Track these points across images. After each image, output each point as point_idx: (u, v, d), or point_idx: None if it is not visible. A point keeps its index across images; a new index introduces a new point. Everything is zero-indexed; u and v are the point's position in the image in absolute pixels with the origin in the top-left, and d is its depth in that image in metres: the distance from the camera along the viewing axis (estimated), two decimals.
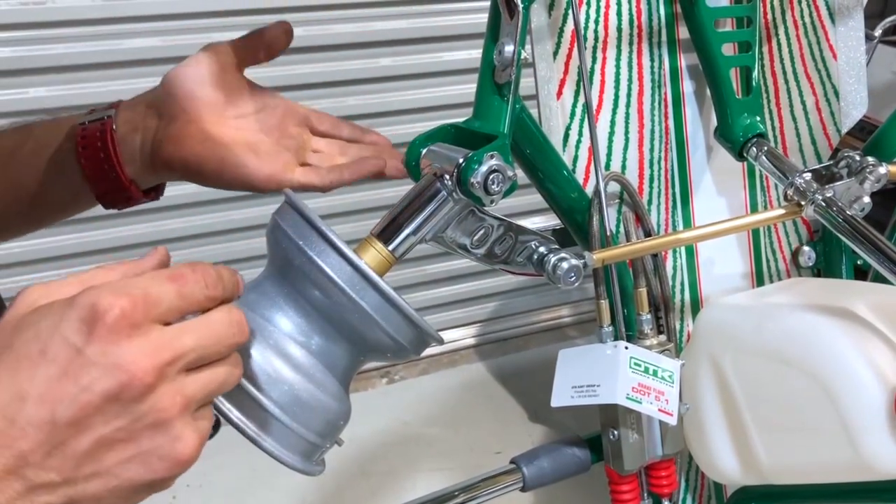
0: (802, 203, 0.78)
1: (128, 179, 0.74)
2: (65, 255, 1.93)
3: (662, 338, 0.87)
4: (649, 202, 0.91)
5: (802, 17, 0.95)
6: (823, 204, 0.76)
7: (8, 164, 0.74)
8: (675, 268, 0.94)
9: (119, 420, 0.42)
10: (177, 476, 0.46)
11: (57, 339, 0.41)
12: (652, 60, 0.89)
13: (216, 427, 0.54)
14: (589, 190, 0.87)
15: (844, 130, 1.00)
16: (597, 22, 0.86)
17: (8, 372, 0.41)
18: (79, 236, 1.94)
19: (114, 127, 0.73)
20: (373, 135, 0.82)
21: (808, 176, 0.79)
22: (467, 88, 2.12)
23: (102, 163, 0.72)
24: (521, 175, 0.71)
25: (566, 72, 0.86)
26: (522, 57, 0.69)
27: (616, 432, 0.83)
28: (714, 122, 0.90)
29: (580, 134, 0.87)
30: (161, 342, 0.43)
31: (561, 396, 0.80)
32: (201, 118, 0.72)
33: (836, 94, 0.98)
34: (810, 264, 1.01)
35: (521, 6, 0.67)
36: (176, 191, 1.96)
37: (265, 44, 0.76)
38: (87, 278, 0.46)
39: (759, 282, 0.99)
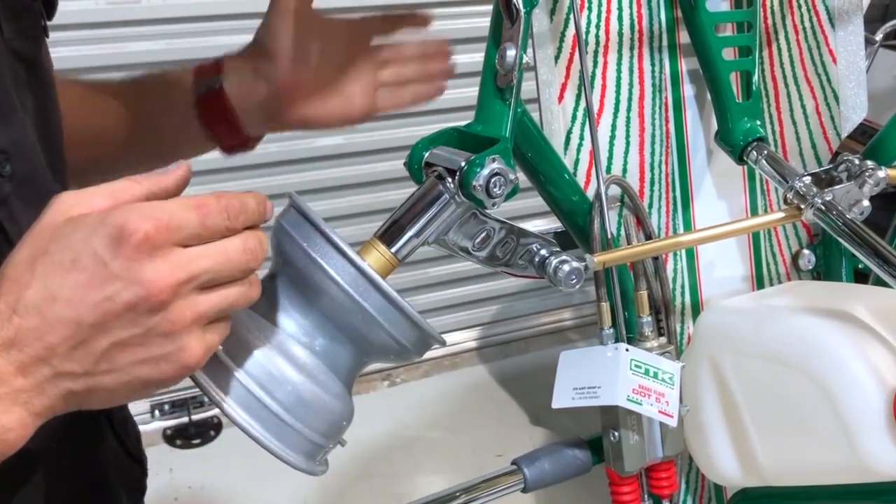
0: (802, 206, 0.78)
1: (248, 137, 0.85)
2: None
3: (663, 340, 0.87)
4: (650, 205, 0.92)
5: (802, 21, 0.95)
6: (823, 207, 0.77)
7: (141, 121, 0.85)
8: (675, 270, 0.94)
9: (135, 328, 0.47)
10: (181, 378, 0.50)
11: (87, 251, 0.46)
12: (653, 65, 0.90)
13: None
14: (590, 193, 0.87)
15: (844, 134, 1.00)
16: (598, 26, 0.86)
17: (42, 275, 0.46)
18: None
19: (227, 95, 0.82)
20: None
21: (807, 179, 0.79)
22: (469, 92, 2.13)
23: (226, 129, 0.83)
24: (522, 178, 0.72)
25: (567, 76, 0.86)
26: (524, 61, 0.69)
27: (617, 434, 0.84)
28: (714, 125, 0.91)
29: (581, 137, 0.88)
30: (178, 264, 0.48)
31: (562, 398, 0.81)
32: (305, 81, 0.82)
33: (836, 98, 0.98)
34: (810, 267, 1.01)
35: (522, 11, 0.68)
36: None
37: None
38: (116, 189, 0.50)
39: (760, 285, 0.99)
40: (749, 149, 0.87)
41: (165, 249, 0.47)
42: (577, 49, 0.85)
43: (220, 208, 0.50)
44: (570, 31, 0.85)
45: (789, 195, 0.80)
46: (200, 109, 0.83)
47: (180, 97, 0.84)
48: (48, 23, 0.74)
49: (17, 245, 0.48)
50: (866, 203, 0.80)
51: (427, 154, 0.68)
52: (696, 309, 0.96)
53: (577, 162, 0.88)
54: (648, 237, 0.88)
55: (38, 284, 0.46)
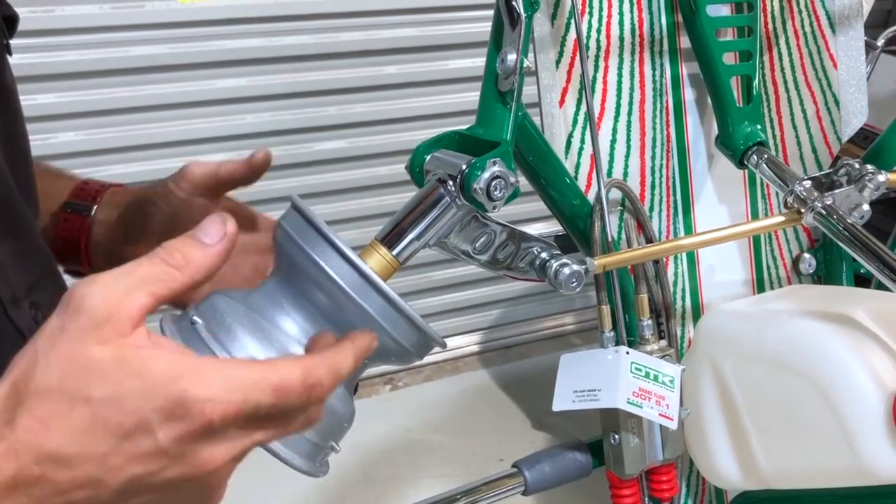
0: (802, 210, 0.78)
1: (90, 266, 0.77)
2: None
3: (663, 343, 0.87)
4: (651, 209, 0.92)
5: (803, 26, 0.96)
6: (823, 211, 0.77)
7: None
8: (676, 274, 0.94)
9: (164, 495, 0.43)
10: None
11: (140, 420, 0.41)
12: (654, 69, 0.90)
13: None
14: (591, 197, 0.88)
15: (844, 139, 1.00)
16: (599, 31, 0.87)
17: (80, 429, 0.40)
18: None
19: (91, 226, 0.75)
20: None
21: (808, 184, 0.80)
22: (471, 96, 2.13)
23: (73, 253, 0.76)
24: (523, 182, 0.72)
25: (568, 80, 0.87)
26: (525, 65, 0.69)
27: (617, 437, 0.84)
28: (715, 130, 0.91)
29: (582, 141, 0.88)
30: (236, 444, 0.44)
31: (562, 400, 0.81)
32: None
33: (837, 102, 0.99)
34: (811, 271, 1.01)
35: (523, 15, 0.68)
36: None
37: (252, 171, 0.76)
38: (152, 282, 0.45)
39: (760, 289, 0.99)
40: (749, 153, 0.87)
41: (227, 432, 0.43)
42: (578, 53, 0.85)
43: (303, 391, 0.45)
44: (572, 35, 0.85)
45: (790, 199, 0.80)
46: (59, 225, 0.76)
47: (46, 204, 0.76)
48: (9, 41, 0.72)
49: (36, 356, 0.41)
50: (866, 207, 0.80)
51: (428, 157, 0.69)
52: (697, 312, 0.96)
53: (577, 166, 0.88)
54: (649, 241, 0.88)
55: (73, 437, 0.40)
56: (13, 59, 0.72)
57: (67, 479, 0.40)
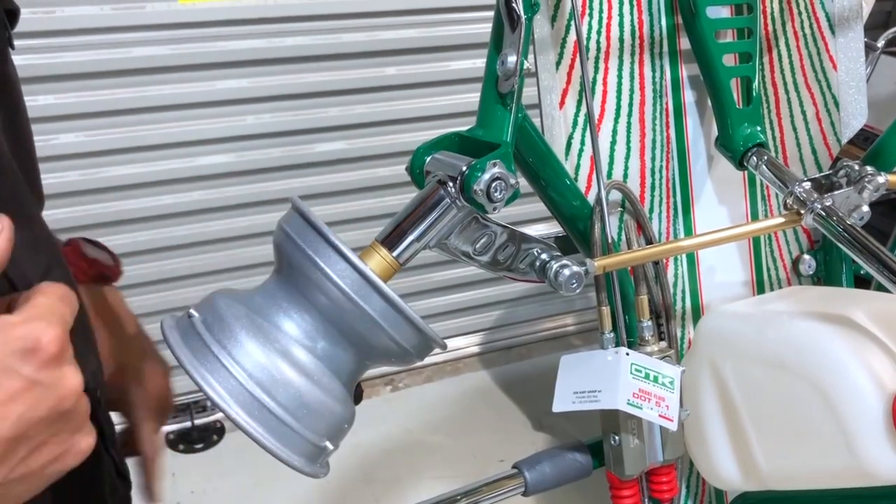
0: (802, 212, 0.79)
1: None
2: None
3: (663, 344, 0.87)
4: (651, 210, 0.92)
5: (803, 28, 0.96)
6: (823, 213, 0.77)
7: None
8: (676, 275, 0.94)
9: (50, 429, 0.47)
10: (76, 465, 0.51)
11: (2, 368, 0.45)
12: (653, 71, 0.90)
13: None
14: (591, 198, 0.88)
15: (844, 140, 1.00)
16: (599, 33, 0.87)
17: None
18: None
19: None
20: None
21: (807, 185, 0.80)
22: (471, 97, 2.13)
23: None
24: (523, 183, 0.72)
25: (569, 82, 0.87)
26: (525, 67, 0.70)
27: (617, 438, 0.84)
28: (715, 131, 0.91)
29: (582, 143, 0.88)
30: (76, 366, 0.49)
31: (562, 402, 0.81)
32: None
33: (836, 104, 0.99)
34: (810, 273, 1.02)
35: (524, 17, 0.69)
36: (181, 198, 1.98)
37: None
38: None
39: (760, 290, 0.99)
40: (749, 154, 0.87)
41: (69, 351, 0.48)
42: (578, 55, 0.85)
43: (72, 304, 0.51)
44: (572, 37, 0.85)
45: (789, 200, 0.80)
46: None
47: None
48: (10, 34, 0.73)
49: None
50: (866, 208, 0.80)
51: (428, 159, 0.69)
52: (697, 313, 0.96)
53: (577, 167, 0.89)
54: (649, 242, 0.89)
55: None
56: (13, 60, 0.72)
57: None
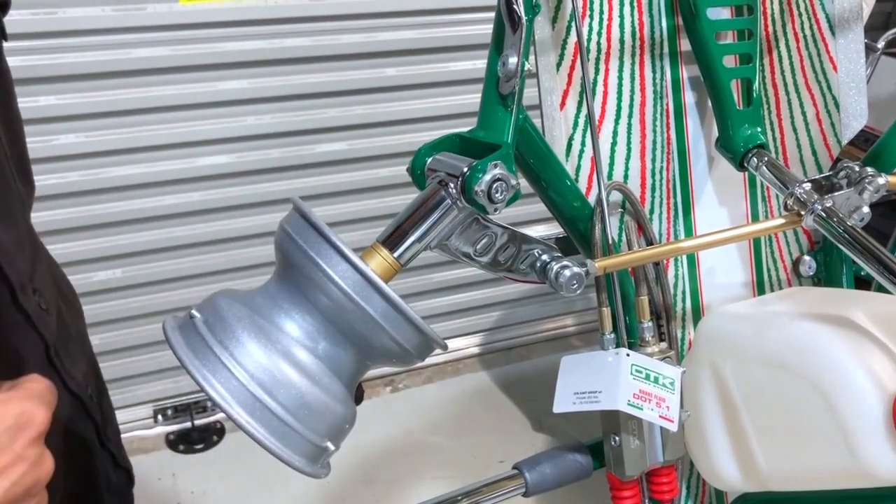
0: (803, 213, 0.79)
1: None
2: (73, 262, 1.94)
3: (664, 345, 0.87)
4: (651, 211, 0.92)
5: (803, 29, 0.96)
6: (823, 214, 0.77)
7: None
8: (676, 276, 0.94)
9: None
10: None
11: None
12: (654, 72, 0.90)
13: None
14: (591, 199, 0.88)
15: (845, 141, 1.01)
16: (599, 34, 0.87)
17: None
18: (84, 243, 1.95)
19: None
20: None
21: (808, 186, 0.80)
22: (472, 98, 2.13)
23: None
24: (524, 184, 0.72)
25: (569, 83, 0.87)
26: (526, 68, 0.70)
27: (617, 438, 0.84)
28: (715, 132, 0.91)
29: (583, 144, 0.88)
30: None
31: (563, 402, 0.81)
32: None
33: (837, 105, 0.99)
34: (811, 273, 1.02)
35: (524, 18, 0.69)
36: (182, 199, 1.98)
37: None
38: None
39: (761, 291, 0.99)
40: (750, 155, 0.87)
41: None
42: (578, 56, 0.86)
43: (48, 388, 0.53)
44: (572, 38, 0.85)
45: (790, 202, 0.80)
46: None
47: None
48: (3, 24, 0.74)
49: None
50: (866, 209, 0.80)
51: (429, 160, 0.69)
52: (697, 314, 0.96)
53: (578, 168, 0.89)
54: (649, 243, 0.89)
55: None
56: (15, 61, 0.72)
57: None
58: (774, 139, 0.97)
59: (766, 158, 0.86)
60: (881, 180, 0.79)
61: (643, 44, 0.89)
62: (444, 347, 0.63)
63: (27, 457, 0.47)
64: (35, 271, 0.68)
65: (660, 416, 0.79)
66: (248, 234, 2.08)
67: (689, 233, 0.95)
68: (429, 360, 2.26)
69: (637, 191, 0.91)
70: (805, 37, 0.96)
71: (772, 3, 0.93)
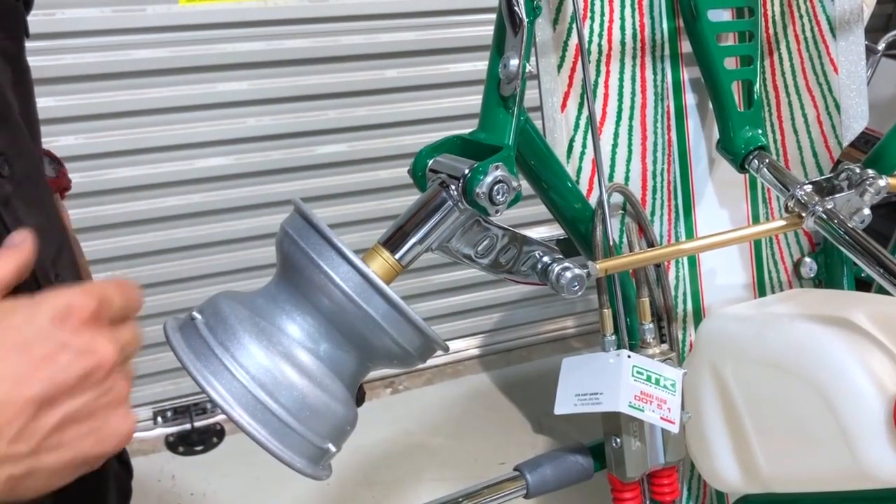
0: (803, 215, 0.79)
1: None
2: None
3: (665, 347, 0.87)
4: (652, 213, 0.92)
5: (804, 31, 0.96)
6: (824, 216, 0.77)
7: None
8: (677, 278, 0.94)
9: (85, 399, 0.47)
10: (117, 451, 0.50)
11: (33, 329, 0.46)
12: (655, 74, 0.90)
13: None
14: (592, 201, 0.88)
15: (845, 143, 1.01)
16: (600, 36, 0.87)
17: None
18: (84, 245, 1.95)
19: None
20: None
21: (808, 188, 0.80)
22: (473, 100, 2.13)
23: None
24: (525, 186, 0.72)
25: (570, 84, 0.87)
26: (527, 70, 0.70)
27: (619, 440, 0.84)
28: (716, 134, 0.91)
29: (584, 146, 0.88)
30: (115, 338, 0.49)
31: (564, 404, 0.81)
32: None
33: (837, 107, 0.99)
34: (812, 275, 1.02)
35: (525, 20, 0.69)
36: (182, 200, 1.98)
37: None
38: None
39: (762, 292, 0.99)
40: (750, 157, 0.87)
41: (104, 325, 0.49)
42: (579, 58, 0.86)
43: (124, 293, 0.52)
44: (573, 40, 0.85)
45: (790, 203, 0.80)
46: None
47: None
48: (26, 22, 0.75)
49: None
50: (867, 211, 0.80)
51: (431, 161, 0.69)
52: (698, 316, 0.96)
53: (579, 170, 0.89)
54: (650, 245, 0.89)
55: None
56: None
57: None
58: (775, 141, 0.97)
59: (766, 160, 0.86)
60: (882, 182, 0.79)
61: (644, 45, 0.89)
62: (445, 349, 0.63)
63: (71, 344, 0.46)
64: (59, 257, 0.68)
65: (661, 418, 0.79)
66: (248, 236, 2.08)
67: (690, 234, 0.95)
68: (429, 362, 2.26)
69: (638, 192, 0.91)
70: (806, 38, 0.96)
71: (773, 4, 0.93)
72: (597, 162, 0.86)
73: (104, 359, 0.47)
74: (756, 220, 0.98)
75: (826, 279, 1.03)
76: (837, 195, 0.79)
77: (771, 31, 0.94)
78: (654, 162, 0.91)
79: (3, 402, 0.44)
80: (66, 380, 0.45)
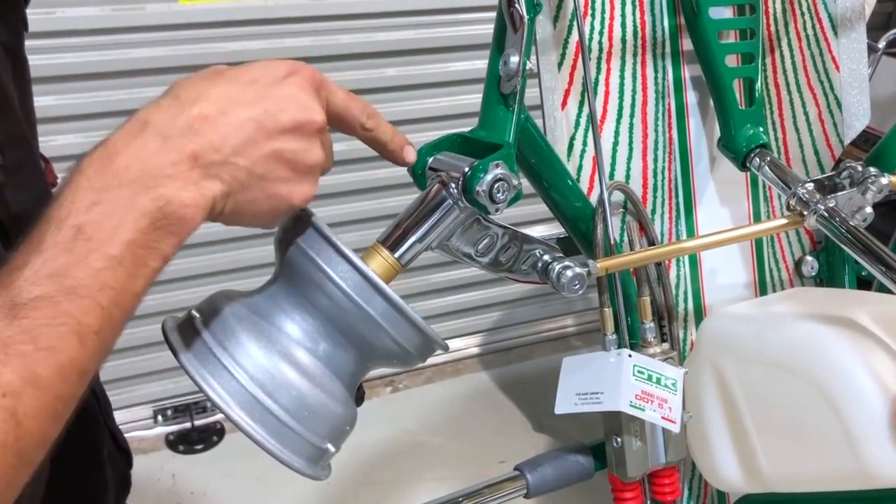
0: (805, 213, 0.78)
1: None
2: None
3: (666, 346, 0.87)
4: (653, 212, 0.92)
5: (805, 28, 0.95)
6: (826, 214, 0.77)
7: None
8: (678, 277, 0.94)
9: (293, 145, 0.53)
10: (292, 211, 0.57)
11: (267, 75, 0.54)
12: (656, 71, 0.90)
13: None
14: (593, 199, 0.88)
15: (847, 141, 1.00)
16: (601, 33, 0.87)
17: (223, 84, 0.53)
18: None
19: None
20: None
21: (810, 186, 0.80)
22: (473, 98, 2.13)
23: None
24: (525, 184, 0.72)
25: (571, 82, 0.87)
26: (527, 67, 0.69)
27: (619, 439, 0.84)
28: (717, 132, 0.91)
29: (584, 144, 0.88)
30: (323, 111, 0.56)
31: (564, 403, 0.81)
32: None
33: (839, 105, 0.99)
34: (813, 274, 1.01)
35: (526, 17, 0.68)
36: None
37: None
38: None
39: (763, 291, 0.99)
40: (752, 155, 0.87)
41: (321, 98, 0.56)
42: (580, 55, 0.85)
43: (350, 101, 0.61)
44: (574, 37, 0.85)
45: (792, 202, 0.80)
46: None
47: None
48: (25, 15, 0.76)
49: (164, 96, 0.52)
50: (869, 210, 0.80)
51: (430, 160, 0.69)
52: (699, 315, 0.96)
53: (580, 168, 0.88)
54: (651, 243, 0.88)
55: (218, 91, 0.52)
56: None
57: (223, 117, 0.50)
58: (777, 139, 0.97)
59: (768, 158, 0.86)
60: (884, 181, 0.79)
61: (645, 43, 0.89)
62: (445, 348, 0.63)
63: (300, 95, 0.53)
64: None
65: (662, 417, 0.79)
66: (248, 235, 2.08)
67: (691, 233, 0.95)
68: (429, 361, 2.26)
69: (639, 191, 0.91)
70: (807, 36, 0.96)
71: (774, 2, 0.93)
72: (597, 160, 0.85)
73: (316, 118, 0.54)
74: (757, 219, 0.98)
75: (827, 278, 1.03)
76: (839, 193, 0.79)
77: (772, 28, 0.93)
78: (655, 160, 0.91)
79: (234, 117, 0.51)
80: (282, 120, 0.52)
